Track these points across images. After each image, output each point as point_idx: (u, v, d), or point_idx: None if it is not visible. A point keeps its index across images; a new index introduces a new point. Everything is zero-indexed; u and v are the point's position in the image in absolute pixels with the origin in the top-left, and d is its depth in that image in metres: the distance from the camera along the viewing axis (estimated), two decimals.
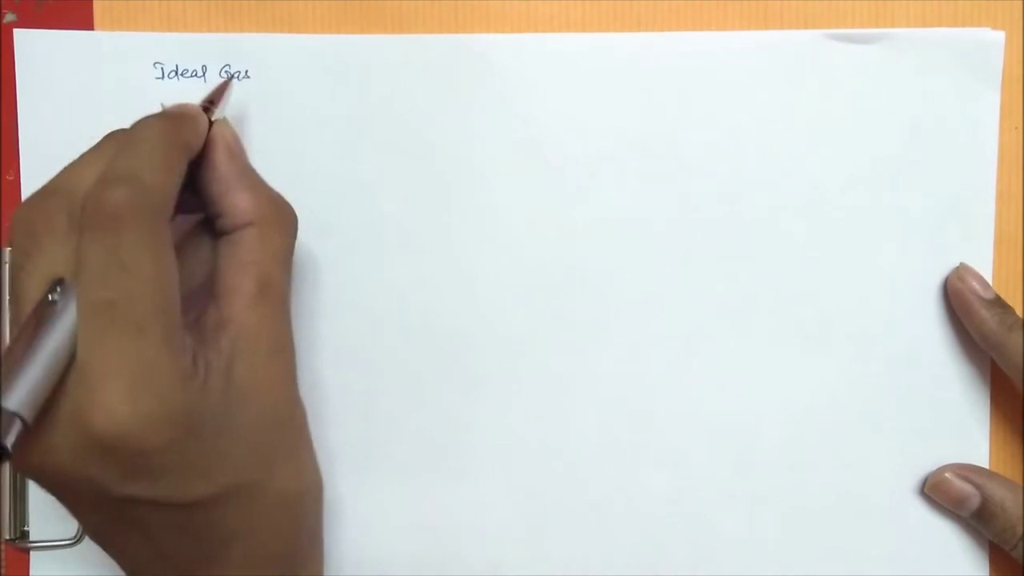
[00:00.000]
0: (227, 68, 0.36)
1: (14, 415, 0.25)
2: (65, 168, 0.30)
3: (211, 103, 0.33)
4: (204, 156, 0.32)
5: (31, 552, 0.37)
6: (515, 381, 0.37)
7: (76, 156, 0.36)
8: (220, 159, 0.32)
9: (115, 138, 0.31)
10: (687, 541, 0.37)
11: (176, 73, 0.36)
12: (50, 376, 0.26)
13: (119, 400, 0.26)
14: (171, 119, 0.31)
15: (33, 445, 0.27)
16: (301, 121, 0.36)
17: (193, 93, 0.36)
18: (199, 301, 0.31)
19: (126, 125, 0.36)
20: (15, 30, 0.36)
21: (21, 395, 0.26)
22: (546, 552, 0.37)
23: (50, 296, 0.27)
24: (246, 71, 0.36)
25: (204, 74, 0.36)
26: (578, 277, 0.37)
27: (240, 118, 0.36)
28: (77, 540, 0.37)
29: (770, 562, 0.38)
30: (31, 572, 0.37)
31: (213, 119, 0.33)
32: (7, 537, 0.37)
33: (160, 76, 0.36)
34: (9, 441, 0.25)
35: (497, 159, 0.37)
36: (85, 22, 0.37)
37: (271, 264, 0.31)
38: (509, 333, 0.37)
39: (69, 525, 0.37)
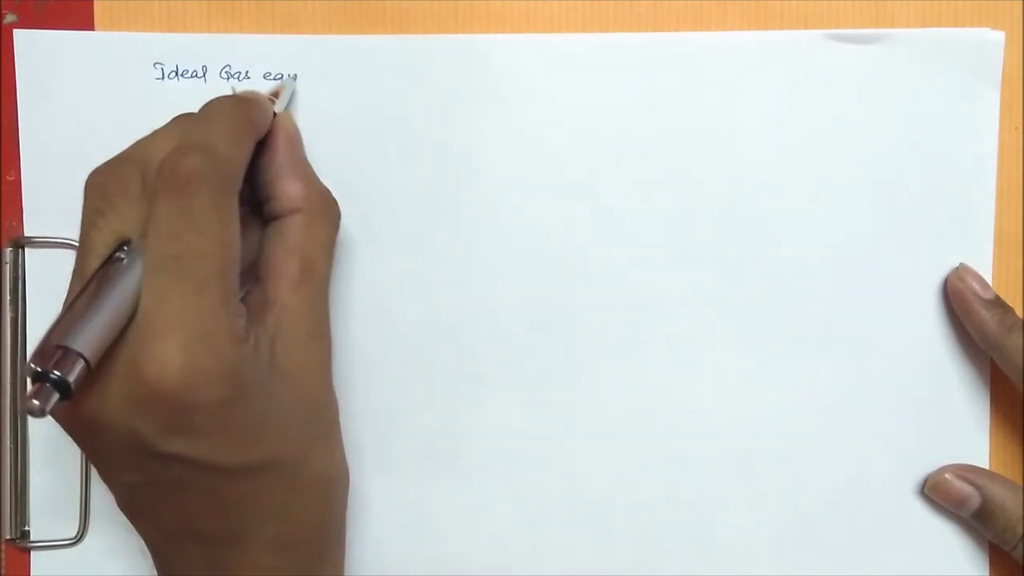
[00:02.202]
0: (227, 68, 0.36)
1: (79, 355, 0.26)
2: (138, 140, 0.31)
3: (275, 95, 0.35)
4: (265, 142, 0.33)
5: (31, 552, 0.37)
6: (516, 380, 0.37)
7: (76, 156, 0.36)
8: (280, 146, 0.33)
9: (186, 117, 0.32)
10: (687, 541, 0.37)
11: (176, 73, 0.36)
12: (112, 327, 0.27)
13: (174, 352, 0.27)
14: (242, 100, 0.33)
15: (86, 393, 0.27)
16: (301, 121, 0.36)
17: (193, 93, 0.36)
18: (245, 283, 0.32)
19: (126, 125, 0.36)
20: (15, 30, 0.36)
21: (85, 339, 0.26)
22: (546, 552, 0.37)
23: (118, 254, 0.28)
24: (246, 71, 0.36)
25: (204, 74, 0.36)
26: (579, 276, 0.37)
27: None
28: (77, 540, 0.37)
29: (770, 562, 0.38)
30: (31, 572, 0.37)
31: (275, 111, 0.34)
32: (7, 537, 0.37)
33: (160, 76, 0.36)
34: (72, 379, 0.26)
35: (497, 159, 0.37)
36: (85, 22, 0.37)
37: (315, 251, 0.32)
38: (509, 332, 0.37)
39: (69, 525, 0.37)
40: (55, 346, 0.26)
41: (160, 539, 0.31)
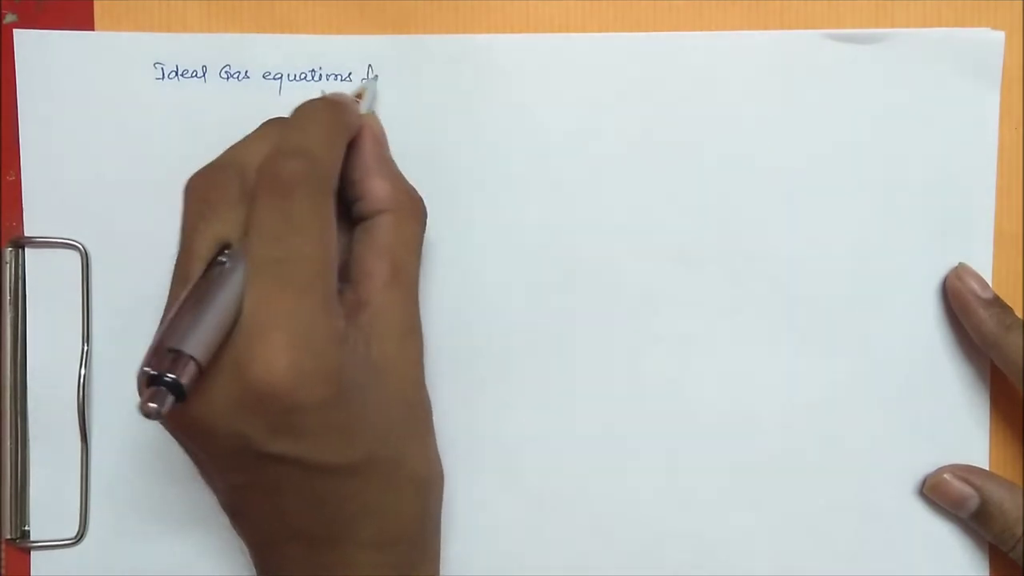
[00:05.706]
0: (227, 68, 0.36)
1: (190, 358, 0.26)
2: (232, 146, 0.31)
3: (359, 96, 0.35)
4: (352, 143, 0.33)
5: (31, 552, 0.37)
6: (516, 380, 0.37)
7: (76, 156, 0.36)
8: (367, 146, 0.33)
9: (277, 121, 0.32)
10: (687, 541, 0.37)
11: (176, 73, 0.36)
12: (219, 329, 0.28)
13: (278, 353, 0.27)
14: (333, 103, 0.33)
15: (192, 396, 0.28)
16: None
17: (193, 93, 0.36)
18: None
19: (126, 125, 0.36)
20: (15, 30, 0.36)
21: (195, 342, 0.27)
22: (546, 552, 0.37)
23: (219, 257, 0.29)
24: (246, 71, 0.36)
25: (204, 74, 0.36)
26: (578, 276, 0.37)
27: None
28: (77, 540, 0.37)
29: (770, 562, 0.38)
30: (31, 572, 0.37)
31: (361, 112, 0.34)
32: (7, 537, 0.37)
33: (160, 76, 0.36)
34: (185, 381, 0.26)
35: (497, 159, 0.37)
36: (85, 22, 0.37)
37: (404, 251, 0.32)
38: (509, 331, 0.37)
39: (69, 525, 0.37)
40: (167, 349, 0.27)
41: (261, 541, 0.31)
